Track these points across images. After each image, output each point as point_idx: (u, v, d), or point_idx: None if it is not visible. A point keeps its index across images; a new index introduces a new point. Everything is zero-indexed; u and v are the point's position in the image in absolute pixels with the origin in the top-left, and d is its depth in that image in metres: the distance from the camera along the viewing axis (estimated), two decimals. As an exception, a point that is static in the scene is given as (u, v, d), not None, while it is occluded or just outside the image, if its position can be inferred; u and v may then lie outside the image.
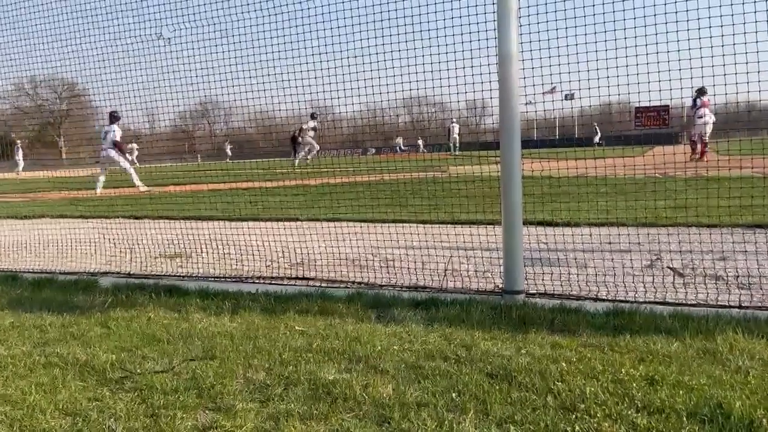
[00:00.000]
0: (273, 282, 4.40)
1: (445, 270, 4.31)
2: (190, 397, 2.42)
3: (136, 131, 12.41)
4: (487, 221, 5.54)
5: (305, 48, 4.52)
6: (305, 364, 2.71)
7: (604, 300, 3.52)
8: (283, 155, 24.22)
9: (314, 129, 20.04)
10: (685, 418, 2.04)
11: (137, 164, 15.71)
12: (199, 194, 9.51)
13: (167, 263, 5.29)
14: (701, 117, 16.04)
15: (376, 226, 5.77)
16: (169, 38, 4.89)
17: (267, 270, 4.83)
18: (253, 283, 4.41)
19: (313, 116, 14.89)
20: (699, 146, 15.89)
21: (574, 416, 2.11)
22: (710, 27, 3.33)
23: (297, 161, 21.65)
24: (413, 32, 4.06)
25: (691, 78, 3.41)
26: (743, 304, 3.31)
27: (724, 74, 3.32)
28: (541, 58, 3.70)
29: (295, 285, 4.29)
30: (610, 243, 4.67)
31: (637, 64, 3.51)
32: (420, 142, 28.36)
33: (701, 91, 12.77)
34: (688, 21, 3.40)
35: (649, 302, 3.41)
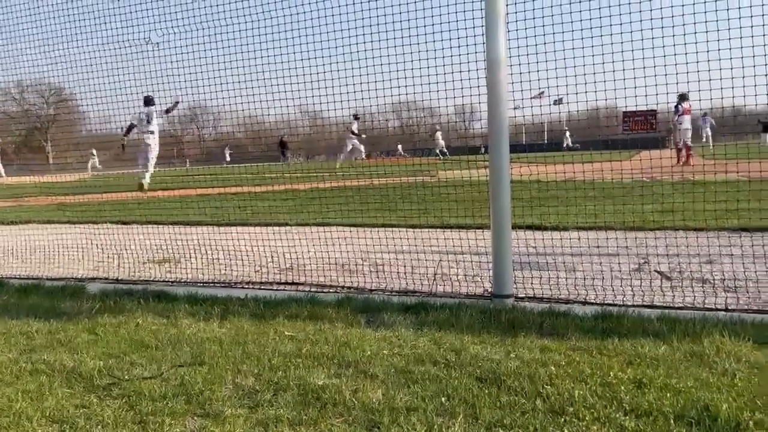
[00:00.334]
0: (262, 287, 4.39)
1: (435, 274, 4.32)
2: (179, 403, 2.40)
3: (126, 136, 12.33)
4: (476, 225, 5.56)
5: (294, 53, 4.53)
6: (294, 369, 2.71)
7: (592, 303, 3.54)
8: (272, 159, 24.23)
9: (358, 130, 20.17)
10: (672, 421, 2.06)
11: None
12: (187, 199, 9.45)
13: (156, 269, 5.25)
14: (681, 123, 16.31)
15: (365, 230, 5.77)
16: (157, 43, 4.88)
17: (256, 275, 4.81)
18: (243, 288, 4.39)
19: (356, 117, 14.59)
20: (684, 151, 16.06)
21: (562, 419, 2.12)
22: (695, 33, 3.37)
23: (339, 162, 22.14)
24: (402, 37, 4.09)
25: (677, 83, 3.45)
26: (730, 307, 3.34)
27: (710, 79, 3.37)
28: (529, 63, 3.73)
29: (284, 290, 4.28)
30: (598, 247, 4.69)
31: (624, 69, 3.55)
32: (400, 147, 28.60)
33: (683, 97, 12.91)
34: (673, 27, 3.45)
35: (637, 305, 3.43)
